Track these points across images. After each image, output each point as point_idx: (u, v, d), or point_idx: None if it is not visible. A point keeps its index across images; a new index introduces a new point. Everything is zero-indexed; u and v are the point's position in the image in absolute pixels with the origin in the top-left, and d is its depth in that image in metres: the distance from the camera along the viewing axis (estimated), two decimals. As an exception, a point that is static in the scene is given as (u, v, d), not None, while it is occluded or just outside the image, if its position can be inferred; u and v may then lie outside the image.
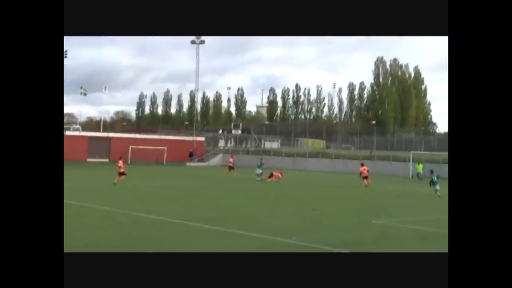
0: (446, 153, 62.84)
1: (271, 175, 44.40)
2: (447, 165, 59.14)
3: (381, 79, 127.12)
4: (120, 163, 36.38)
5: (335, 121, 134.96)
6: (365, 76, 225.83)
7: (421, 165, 55.29)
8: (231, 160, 53.73)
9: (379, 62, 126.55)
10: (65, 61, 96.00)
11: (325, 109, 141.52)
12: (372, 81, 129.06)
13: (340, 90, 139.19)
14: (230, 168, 51.61)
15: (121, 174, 35.50)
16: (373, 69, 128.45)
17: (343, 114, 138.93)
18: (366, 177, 41.93)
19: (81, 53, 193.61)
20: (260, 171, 45.13)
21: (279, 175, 44.88)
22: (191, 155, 78.67)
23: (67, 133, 74.58)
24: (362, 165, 44.22)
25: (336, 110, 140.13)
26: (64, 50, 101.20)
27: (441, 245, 15.79)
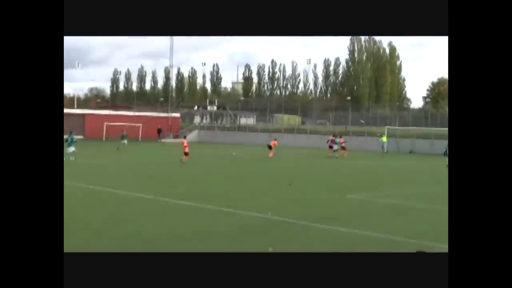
0: (420, 128, 63.55)
1: (270, 148, 44.93)
2: (421, 140, 59.94)
3: (356, 55, 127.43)
4: (185, 142, 36.36)
5: (310, 97, 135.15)
6: (341, 52, 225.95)
7: (385, 137, 56.80)
8: (274, 142, 48.56)
9: (355, 38, 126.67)
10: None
11: (301, 85, 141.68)
12: (347, 57, 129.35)
13: (315, 66, 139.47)
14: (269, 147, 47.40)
15: (186, 154, 35.46)
16: (349, 45, 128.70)
17: (318, 90, 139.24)
18: (343, 148, 47.63)
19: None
20: (336, 147, 46.85)
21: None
22: (159, 131, 77.39)
23: (40, 110, 73.81)
24: (340, 136, 50.29)
25: (311, 86, 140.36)
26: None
27: (415, 219, 16.02)
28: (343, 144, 48.21)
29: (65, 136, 32.72)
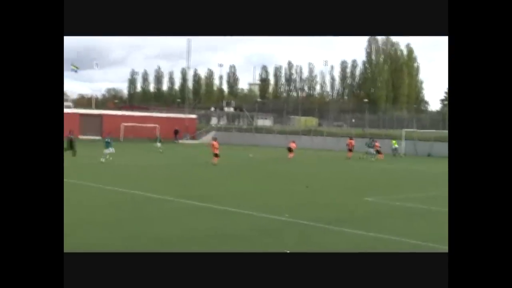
0: (438, 131, 63.17)
1: (289, 149, 45.06)
2: (439, 143, 59.52)
3: (373, 57, 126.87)
4: (216, 144, 36.28)
5: (327, 99, 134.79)
6: (358, 53, 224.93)
7: (395, 142, 57.02)
8: (292, 144, 48.42)
9: (372, 40, 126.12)
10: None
11: (317, 87, 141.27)
12: (365, 59, 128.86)
13: (332, 67, 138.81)
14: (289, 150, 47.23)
15: (216, 155, 35.50)
16: (366, 47, 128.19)
17: (335, 92, 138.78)
18: (350, 150, 48.51)
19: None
20: (372, 151, 47.30)
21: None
22: (176, 132, 77.35)
23: (59, 110, 74.27)
24: (351, 138, 51.36)
25: (328, 88, 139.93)
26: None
27: (432, 222, 15.97)
28: (378, 148, 48.71)
29: (104, 138, 33.97)
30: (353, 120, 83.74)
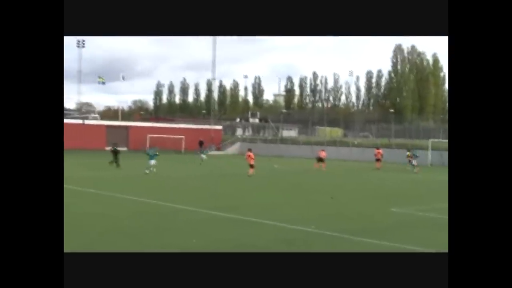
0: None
1: (320, 159, 45.03)
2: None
3: (399, 67, 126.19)
4: (252, 155, 36.39)
5: (352, 109, 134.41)
6: (383, 63, 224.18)
7: (409, 153, 56.85)
8: (322, 153, 48.32)
9: (397, 49, 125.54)
10: (83, 50, 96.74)
11: (343, 97, 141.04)
12: (390, 68, 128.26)
13: (357, 78, 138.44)
14: (319, 160, 47.02)
15: (252, 166, 35.63)
16: (391, 57, 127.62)
17: (360, 102, 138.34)
18: (378, 160, 48.45)
19: (99, 42, 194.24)
20: (414, 162, 46.91)
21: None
22: (200, 144, 77.52)
23: (86, 122, 75.13)
24: (378, 148, 51.40)
25: (353, 98, 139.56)
26: (82, 40, 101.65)
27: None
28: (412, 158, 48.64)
29: (147, 149, 37.18)
30: (379, 131, 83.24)
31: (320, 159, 45.62)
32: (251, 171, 35.35)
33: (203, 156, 52.30)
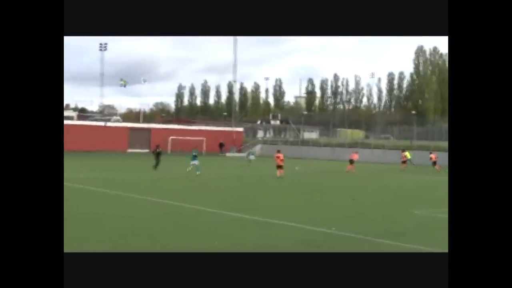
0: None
1: (352, 161, 45.68)
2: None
3: (421, 68, 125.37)
4: (281, 156, 36.54)
5: (374, 111, 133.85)
6: (405, 65, 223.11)
7: (408, 153, 56.83)
8: (355, 155, 48.50)
9: (419, 51, 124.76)
10: (105, 53, 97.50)
11: (364, 99, 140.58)
12: (412, 70, 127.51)
13: (379, 80, 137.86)
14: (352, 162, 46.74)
15: (281, 167, 35.74)
16: (413, 59, 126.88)
17: (382, 104, 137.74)
18: (404, 162, 49.38)
19: (121, 45, 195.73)
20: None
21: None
22: (221, 146, 77.84)
23: (108, 124, 75.68)
24: (404, 150, 52.60)
25: (375, 100, 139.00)
26: (104, 43, 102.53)
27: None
28: (435, 159, 49.03)
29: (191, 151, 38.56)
30: (401, 132, 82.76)
31: (351, 161, 45.69)
32: (280, 172, 35.35)
33: (252, 157, 52.61)
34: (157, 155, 41.91)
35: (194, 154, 38.46)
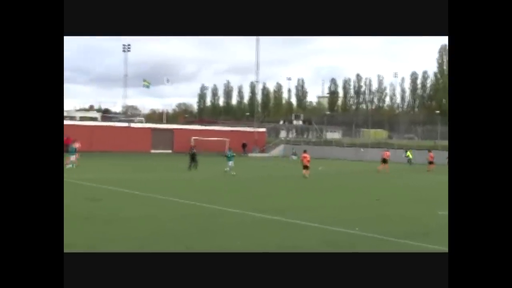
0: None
1: (384, 161, 45.96)
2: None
3: (445, 67, 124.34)
4: (307, 156, 36.93)
5: (397, 110, 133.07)
6: (428, 65, 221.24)
7: (409, 153, 56.57)
8: (387, 153, 48.73)
9: (443, 50, 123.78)
10: (129, 55, 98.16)
11: (387, 99, 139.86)
12: (436, 69, 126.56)
13: (402, 79, 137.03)
14: (384, 161, 47.21)
15: (307, 167, 36.02)
16: (437, 58, 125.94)
17: (405, 104, 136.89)
18: (431, 162, 48.21)
19: (144, 47, 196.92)
20: None
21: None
22: (244, 146, 77.91)
23: (132, 125, 76.16)
24: (430, 151, 52.05)
25: (398, 100, 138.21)
26: (127, 44, 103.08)
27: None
28: (432, 159, 48.80)
29: (226, 152, 40.08)
30: (424, 132, 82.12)
31: (384, 160, 45.74)
32: (306, 172, 35.40)
33: (294, 157, 53.07)
34: (192, 156, 42.31)
35: (229, 155, 39.45)
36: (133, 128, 74.78)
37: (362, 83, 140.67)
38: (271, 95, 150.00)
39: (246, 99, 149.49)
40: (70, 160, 39.15)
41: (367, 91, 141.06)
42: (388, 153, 47.86)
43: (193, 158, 42.15)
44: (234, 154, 40.58)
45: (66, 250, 11.13)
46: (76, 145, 40.84)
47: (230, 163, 38.86)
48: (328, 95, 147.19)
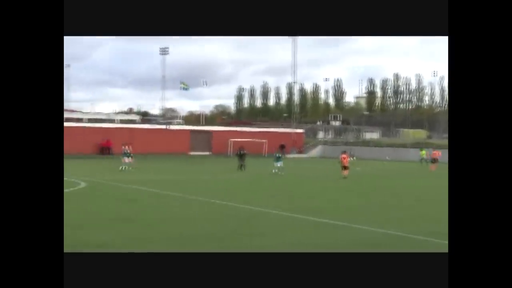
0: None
1: (434, 160, 46.33)
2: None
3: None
4: (346, 157, 37.52)
5: (436, 110, 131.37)
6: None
7: (423, 151, 55.63)
8: (436, 153, 49.42)
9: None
10: (167, 57, 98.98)
11: (426, 98, 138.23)
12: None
13: (441, 78, 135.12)
14: (434, 161, 48.08)
15: (346, 168, 36.36)
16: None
17: (445, 103, 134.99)
18: (435, 160, 47.12)
19: (182, 49, 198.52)
20: None
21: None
22: (282, 147, 77.70)
23: (170, 127, 76.81)
24: (434, 148, 52.75)
25: (437, 99, 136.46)
26: (166, 47, 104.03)
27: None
28: (436, 157, 48.17)
29: (275, 153, 41.11)
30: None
31: (434, 160, 45.63)
32: (345, 172, 35.43)
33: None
34: (241, 156, 43.09)
35: (278, 155, 40.32)
36: (172, 130, 75.42)
37: (400, 83, 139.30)
38: (308, 96, 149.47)
39: (283, 100, 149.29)
40: (125, 163, 40.82)
41: (405, 91, 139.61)
42: (438, 152, 47.55)
43: (241, 158, 42.85)
44: (281, 155, 41.35)
45: (106, 250, 11.36)
46: (129, 148, 42.39)
47: (279, 163, 39.53)
48: (366, 95, 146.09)
